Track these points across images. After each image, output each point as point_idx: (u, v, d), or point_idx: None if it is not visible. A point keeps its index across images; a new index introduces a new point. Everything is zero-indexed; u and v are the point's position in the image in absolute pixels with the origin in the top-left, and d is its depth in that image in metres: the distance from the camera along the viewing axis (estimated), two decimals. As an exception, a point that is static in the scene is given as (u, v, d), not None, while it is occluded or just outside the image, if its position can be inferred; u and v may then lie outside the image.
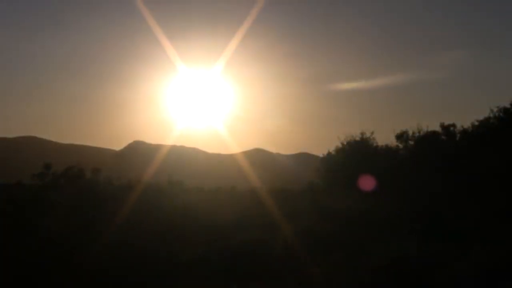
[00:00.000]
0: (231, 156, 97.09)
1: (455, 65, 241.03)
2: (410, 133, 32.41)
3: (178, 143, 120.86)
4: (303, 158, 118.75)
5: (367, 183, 28.79)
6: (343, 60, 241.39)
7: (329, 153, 35.03)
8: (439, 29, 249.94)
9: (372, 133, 33.81)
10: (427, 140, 31.69)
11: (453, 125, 31.86)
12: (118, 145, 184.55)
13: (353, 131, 34.75)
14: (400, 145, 32.86)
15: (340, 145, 34.35)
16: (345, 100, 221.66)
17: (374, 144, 33.59)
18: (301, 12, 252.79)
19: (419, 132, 32.27)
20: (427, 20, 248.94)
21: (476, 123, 31.00)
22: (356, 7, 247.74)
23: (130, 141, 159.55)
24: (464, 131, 31.41)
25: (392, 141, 32.97)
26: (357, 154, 32.83)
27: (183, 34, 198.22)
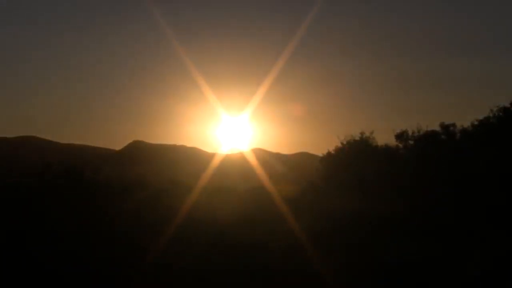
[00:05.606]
0: (231, 156, 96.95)
1: (455, 65, 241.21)
2: (410, 132, 32.40)
3: (178, 143, 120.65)
4: (303, 158, 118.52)
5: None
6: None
7: (329, 153, 35.01)
8: (439, 29, 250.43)
9: (372, 132, 33.83)
10: (427, 139, 31.67)
11: (453, 125, 31.85)
12: (118, 145, 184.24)
13: (353, 131, 34.71)
14: (400, 145, 32.84)
15: (340, 145, 34.36)
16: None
17: (374, 144, 33.57)
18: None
19: (418, 131, 32.26)
20: (427, 20, 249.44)
21: (476, 123, 30.99)
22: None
23: (130, 140, 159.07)
24: (464, 131, 31.39)
25: (391, 141, 32.96)
26: (357, 154, 32.82)
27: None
